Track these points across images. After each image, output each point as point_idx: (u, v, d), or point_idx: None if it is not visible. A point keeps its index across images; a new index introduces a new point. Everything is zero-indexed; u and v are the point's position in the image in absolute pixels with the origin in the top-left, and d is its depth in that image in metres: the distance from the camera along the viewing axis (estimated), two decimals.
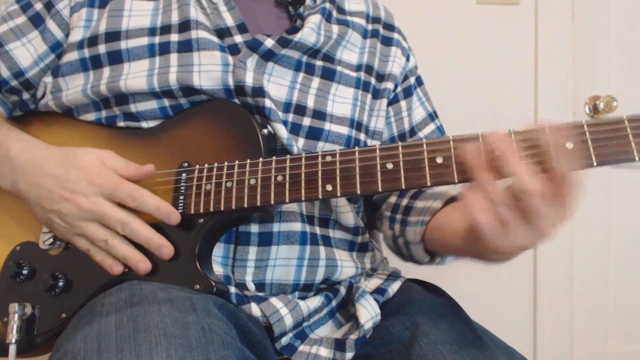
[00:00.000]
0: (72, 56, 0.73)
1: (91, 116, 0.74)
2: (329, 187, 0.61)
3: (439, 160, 0.58)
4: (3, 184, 0.69)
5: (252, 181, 0.63)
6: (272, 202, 0.62)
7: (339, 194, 0.61)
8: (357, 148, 0.61)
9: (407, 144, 0.60)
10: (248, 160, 0.65)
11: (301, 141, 0.73)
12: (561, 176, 0.51)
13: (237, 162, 0.65)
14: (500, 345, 0.66)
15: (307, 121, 0.73)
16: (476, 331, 0.66)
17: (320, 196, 0.61)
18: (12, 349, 0.64)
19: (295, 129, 0.73)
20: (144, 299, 0.56)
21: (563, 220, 0.53)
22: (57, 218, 0.64)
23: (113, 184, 0.63)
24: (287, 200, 0.62)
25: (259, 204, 0.62)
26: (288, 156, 0.63)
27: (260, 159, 0.64)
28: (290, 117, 0.73)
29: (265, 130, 0.68)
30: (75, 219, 0.63)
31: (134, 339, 0.48)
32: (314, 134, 0.73)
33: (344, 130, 0.75)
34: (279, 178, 0.63)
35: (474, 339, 0.64)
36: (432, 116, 0.89)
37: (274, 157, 0.64)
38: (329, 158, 0.62)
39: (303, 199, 0.61)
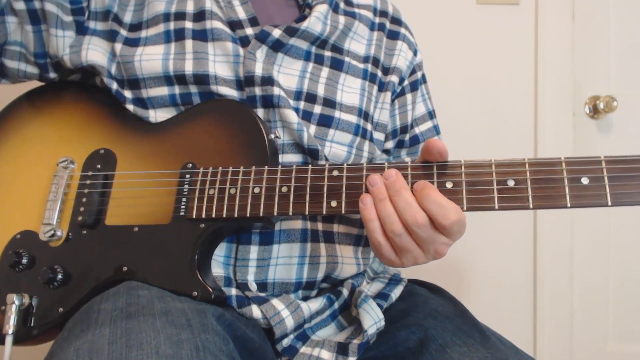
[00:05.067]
0: (103, 26, 0.75)
1: (104, 80, 0.74)
2: (333, 203, 0.61)
3: (449, 185, 0.58)
4: None
5: (256, 190, 0.63)
6: (275, 213, 0.62)
7: (343, 211, 0.60)
8: (364, 164, 0.61)
9: (418, 165, 0.60)
10: (253, 168, 0.64)
11: (313, 128, 0.73)
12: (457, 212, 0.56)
13: (242, 168, 0.65)
14: (509, 345, 0.66)
15: (317, 109, 0.74)
16: (484, 332, 0.66)
17: (324, 212, 0.61)
18: (9, 340, 0.63)
19: (306, 116, 0.73)
20: (140, 309, 0.55)
21: (454, 241, 0.59)
22: None
23: None
24: (290, 213, 0.61)
25: (261, 214, 0.62)
26: (294, 167, 0.63)
27: (266, 167, 0.64)
28: (302, 104, 0.73)
29: (272, 135, 0.68)
30: None
31: (125, 356, 0.48)
32: (325, 122, 0.74)
33: (352, 119, 0.76)
34: (284, 189, 0.62)
35: (481, 340, 0.64)
36: (431, 114, 0.90)
37: (279, 167, 0.63)
38: (335, 172, 0.62)
39: (307, 213, 0.61)
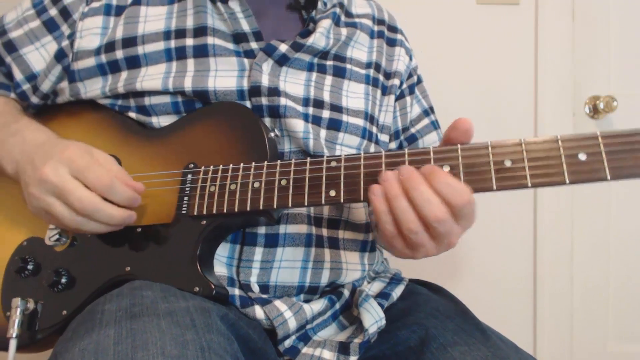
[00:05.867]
0: (88, 62, 0.74)
1: (106, 100, 0.75)
2: (332, 193, 0.60)
3: (446, 169, 0.58)
4: (9, 169, 0.68)
5: (256, 184, 0.63)
6: (275, 206, 0.62)
7: (342, 200, 0.60)
8: (362, 154, 0.61)
9: (414, 151, 0.59)
10: (253, 163, 0.64)
11: (323, 132, 0.74)
12: (468, 197, 0.54)
13: (242, 164, 0.65)
14: (509, 344, 0.66)
15: (326, 113, 0.75)
16: (485, 332, 0.66)
17: (323, 202, 0.61)
18: (13, 344, 0.63)
19: (316, 121, 0.74)
20: (144, 309, 0.55)
21: (467, 229, 0.58)
22: (27, 191, 0.63)
23: (85, 162, 0.62)
24: (290, 205, 0.61)
25: (261, 207, 0.62)
26: (293, 160, 0.63)
27: (265, 162, 0.64)
28: (311, 110, 0.74)
29: (271, 134, 0.69)
30: (38, 190, 0.62)
31: (131, 357, 0.48)
32: (335, 125, 0.75)
33: (359, 122, 0.77)
34: (283, 182, 0.62)
35: (482, 339, 0.64)
36: (427, 112, 0.91)
37: (278, 161, 0.64)
38: (333, 163, 0.62)
39: (306, 203, 0.61)
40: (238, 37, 0.73)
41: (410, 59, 0.90)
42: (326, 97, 0.75)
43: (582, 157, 0.53)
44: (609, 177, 0.52)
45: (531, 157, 0.55)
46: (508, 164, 0.56)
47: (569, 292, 1.45)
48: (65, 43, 0.75)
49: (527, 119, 1.44)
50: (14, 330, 0.63)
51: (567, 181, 0.53)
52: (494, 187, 0.55)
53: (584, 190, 1.46)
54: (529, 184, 0.54)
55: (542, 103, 1.43)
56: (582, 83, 1.46)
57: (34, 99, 0.79)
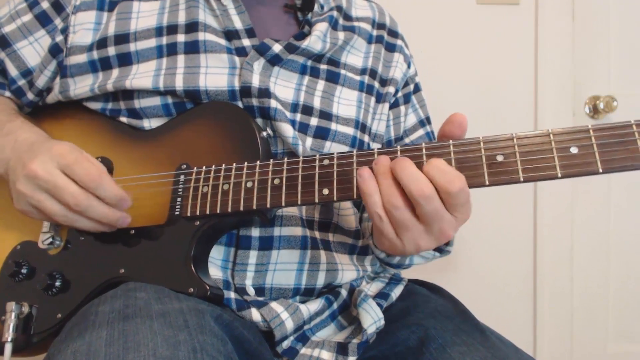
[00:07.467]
0: (80, 58, 0.73)
1: (97, 105, 0.75)
2: (325, 191, 0.60)
3: None
4: (1, 169, 0.68)
5: (249, 184, 0.63)
6: (268, 205, 0.62)
7: (335, 199, 0.60)
8: (355, 152, 0.61)
9: (407, 148, 0.59)
10: (245, 163, 0.64)
11: (309, 140, 0.73)
12: (461, 185, 0.53)
13: (234, 164, 0.65)
14: (509, 345, 0.66)
15: (314, 121, 0.74)
16: (484, 332, 0.66)
17: (316, 200, 0.60)
18: (8, 348, 0.63)
19: (303, 128, 0.73)
20: (137, 311, 0.54)
21: (462, 222, 0.56)
22: (15, 188, 0.63)
23: (74, 158, 0.62)
24: (283, 204, 0.61)
25: (255, 207, 0.62)
26: (285, 159, 0.63)
27: (258, 162, 0.64)
28: (298, 116, 0.73)
29: (264, 133, 0.68)
30: (26, 186, 0.62)
31: (123, 358, 0.47)
32: (322, 134, 0.74)
33: (349, 130, 0.76)
34: (276, 181, 0.62)
35: (482, 340, 0.64)
36: (423, 122, 0.89)
37: (271, 160, 0.63)
38: (326, 162, 0.61)
39: (299, 202, 0.61)
40: (230, 34, 0.72)
41: (409, 66, 0.88)
42: (316, 103, 0.74)
43: (574, 150, 0.53)
44: (600, 170, 0.52)
45: (523, 152, 0.55)
46: (500, 158, 0.55)
47: (569, 292, 1.45)
48: (59, 38, 0.74)
49: (527, 119, 1.44)
50: (9, 334, 0.63)
51: (559, 175, 0.53)
52: (487, 182, 0.55)
53: (584, 191, 1.46)
54: (521, 179, 0.54)
55: (542, 103, 1.43)
56: (582, 83, 1.46)
57: (30, 96, 0.78)
